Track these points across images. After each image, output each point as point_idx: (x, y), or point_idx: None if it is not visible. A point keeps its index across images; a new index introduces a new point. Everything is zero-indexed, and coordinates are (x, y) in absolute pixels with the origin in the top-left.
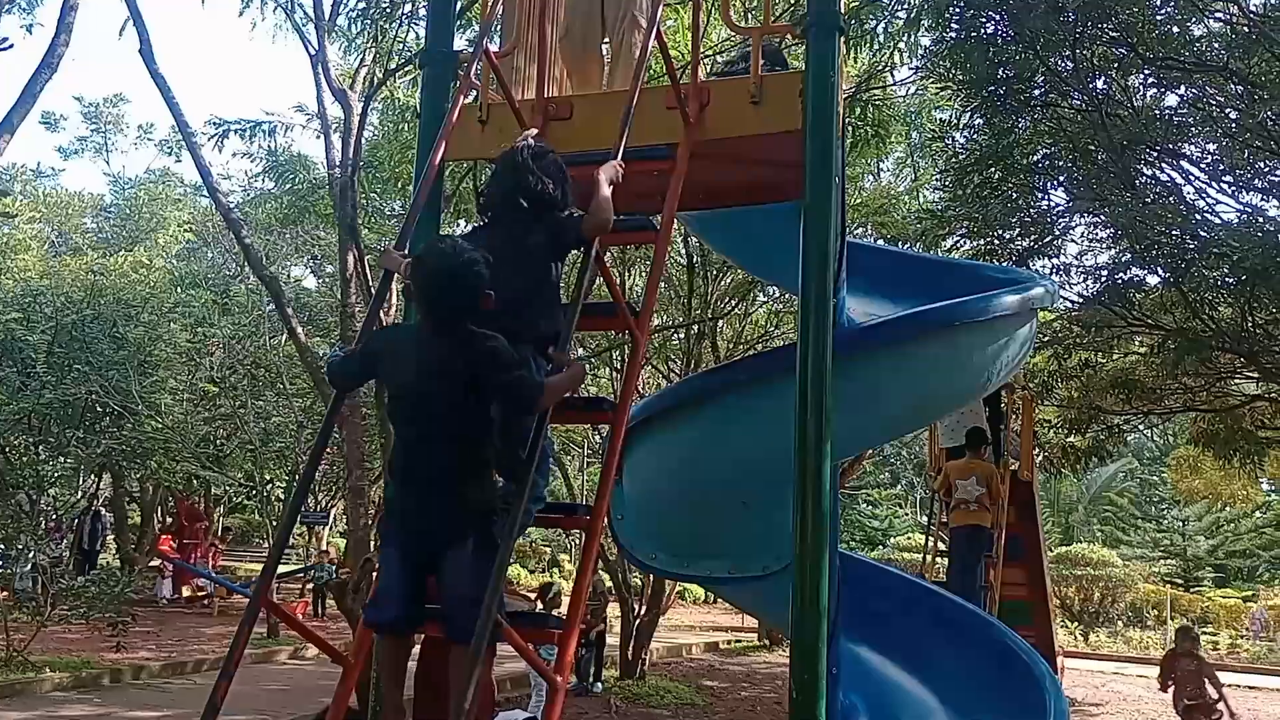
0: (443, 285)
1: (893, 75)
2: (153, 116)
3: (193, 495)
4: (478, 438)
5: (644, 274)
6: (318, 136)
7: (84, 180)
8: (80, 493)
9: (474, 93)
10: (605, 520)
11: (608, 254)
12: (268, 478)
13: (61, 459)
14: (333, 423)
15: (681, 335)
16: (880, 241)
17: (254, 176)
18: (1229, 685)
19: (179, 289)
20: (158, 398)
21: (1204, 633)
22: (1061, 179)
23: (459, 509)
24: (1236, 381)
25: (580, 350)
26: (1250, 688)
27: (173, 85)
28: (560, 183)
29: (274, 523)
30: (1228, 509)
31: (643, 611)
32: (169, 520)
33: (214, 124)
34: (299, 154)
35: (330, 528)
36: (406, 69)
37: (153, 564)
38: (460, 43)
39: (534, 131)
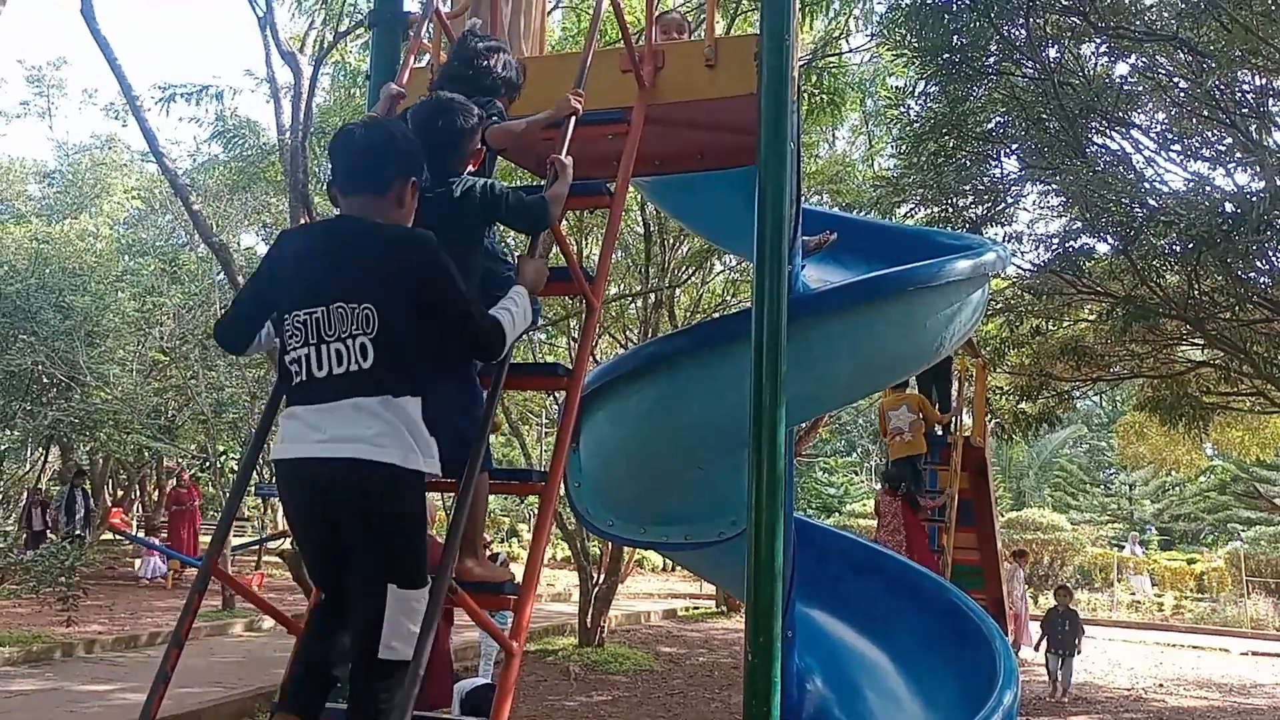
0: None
1: (847, 42)
2: (97, 80)
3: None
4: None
5: (601, 241)
6: (267, 101)
7: (27, 145)
8: (28, 465)
9: (425, 55)
10: (561, 486)
11: (564, 222)
12: (221, 450)
13: (8, 431)
14: (280, 396)
15: (639, 304)
16: (835, 209)
17: (202, 142)
18: (1175, 645)
19: (127, 257)
20: (106, 368)
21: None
22: (1014, 147)
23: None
24: (1182, 348)
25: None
26: (1194, 647)
27: (116, 48)
28: (506, 67)
29: (227, 494)
30: (1173, 474)
31: (601, 579)
32: (120, 493)
33: (160, 88)
34: (248, 119)
35: None
36: (357, 31)
37: (104, 537)
38: (411, 3)
39: (479, 22)
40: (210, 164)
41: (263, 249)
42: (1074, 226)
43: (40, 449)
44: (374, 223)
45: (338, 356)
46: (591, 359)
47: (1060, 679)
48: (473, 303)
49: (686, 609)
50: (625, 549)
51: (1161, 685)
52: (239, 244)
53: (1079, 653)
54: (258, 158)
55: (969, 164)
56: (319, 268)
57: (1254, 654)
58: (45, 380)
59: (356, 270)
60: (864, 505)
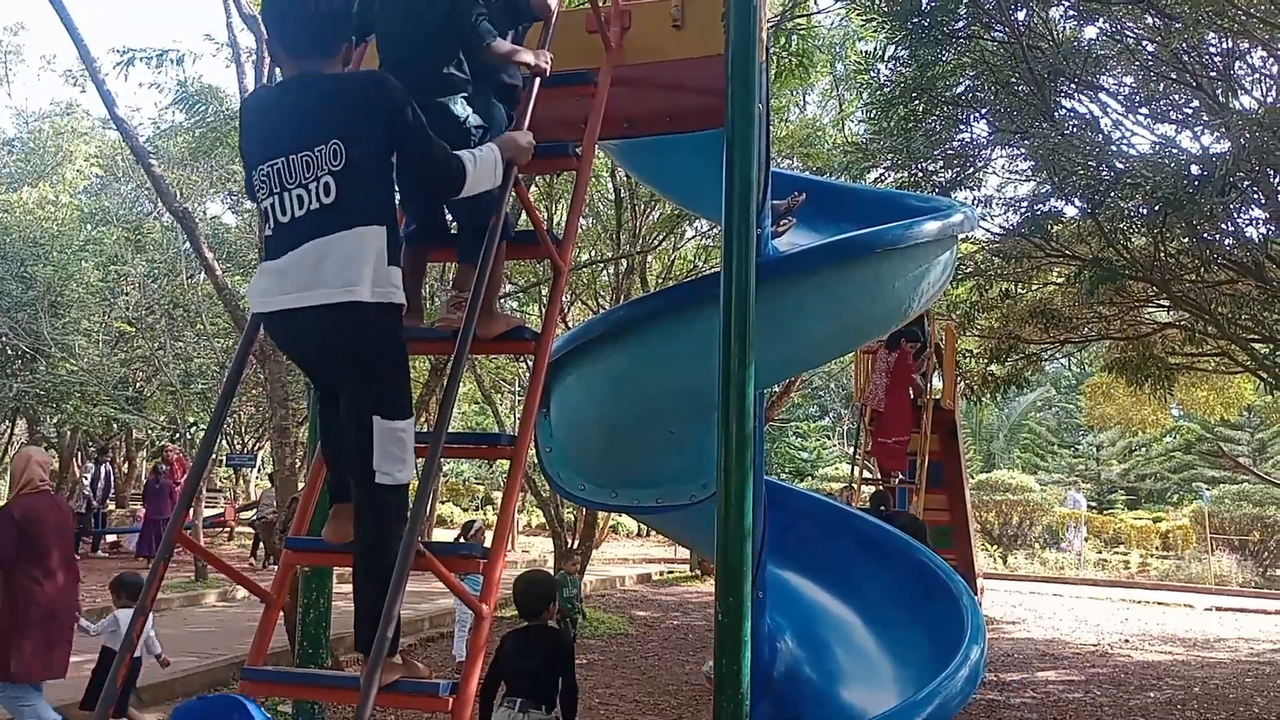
0: None
1: (816, 4)
2: (56, 46)
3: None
4: None
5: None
6: (228, 66)
7: None
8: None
9: None
10: (531, 450)
11: (531, 187)
12: (190, 420)
13: None
14: (244, 359)
15: (611, 270)
16: (806, 173)
17: (164, 109)
18: (1140, 602)
19: (89, 226)
20: (71, 339)
21: (1116, 553)
22: (983, 111)
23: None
24: (1149, 310)
25: (507, 285)
26: (1159, 604)
27: (74, 12)
28: None
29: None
30: (1139, 434)
31: (575, 545)
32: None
33: (119, 52)
34: (210, 85)
35: (257, 470)
36: None
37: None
38: None
39: None
40: (172, 130)
41: (229, 218)
42: (1042, 190)
43: (7, 421)
44: (332, 73)
45: (299, 200)
46: (563, 324)
47: None
48: (434, 138)
49: (661, 573)
50: (600, 515)
51: (1127, 641)
52: (204, 212)
53: None
54: (220, 123)
55: (938, 128)
56: (278, 120)
57: (1217, 609)
58: (9, 351)
59: (320, 112)
60: (835, 469)
